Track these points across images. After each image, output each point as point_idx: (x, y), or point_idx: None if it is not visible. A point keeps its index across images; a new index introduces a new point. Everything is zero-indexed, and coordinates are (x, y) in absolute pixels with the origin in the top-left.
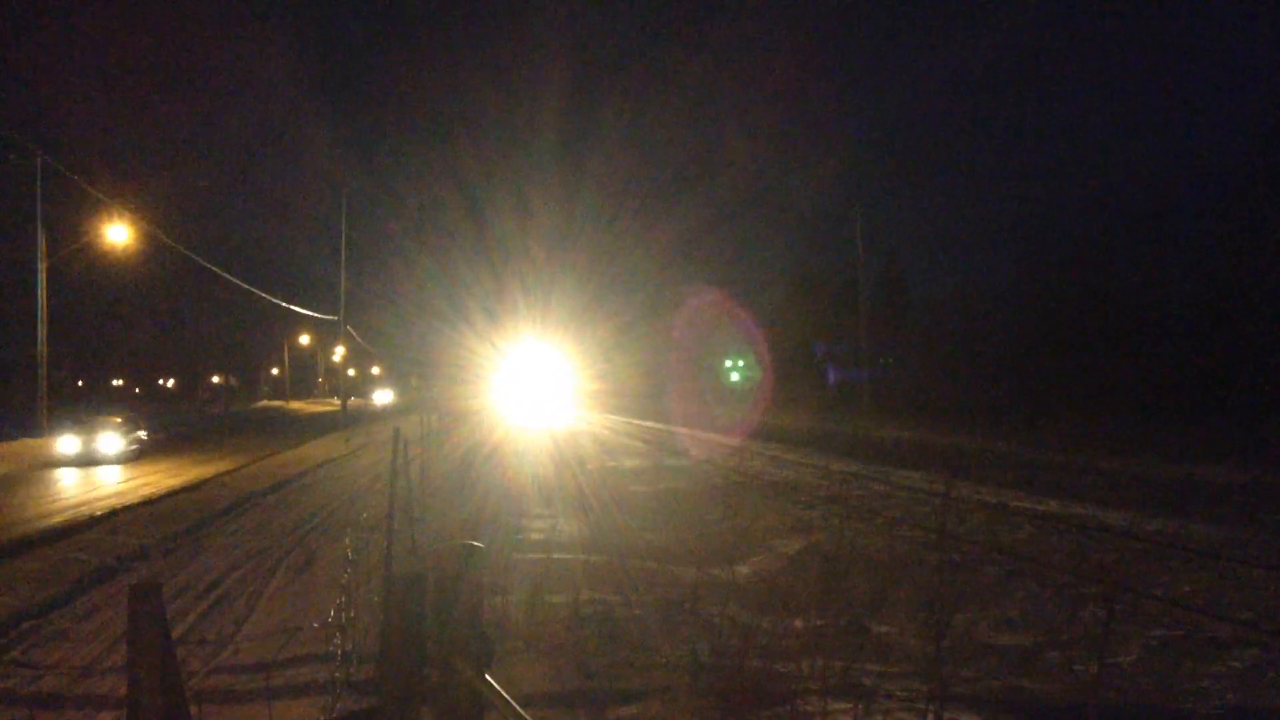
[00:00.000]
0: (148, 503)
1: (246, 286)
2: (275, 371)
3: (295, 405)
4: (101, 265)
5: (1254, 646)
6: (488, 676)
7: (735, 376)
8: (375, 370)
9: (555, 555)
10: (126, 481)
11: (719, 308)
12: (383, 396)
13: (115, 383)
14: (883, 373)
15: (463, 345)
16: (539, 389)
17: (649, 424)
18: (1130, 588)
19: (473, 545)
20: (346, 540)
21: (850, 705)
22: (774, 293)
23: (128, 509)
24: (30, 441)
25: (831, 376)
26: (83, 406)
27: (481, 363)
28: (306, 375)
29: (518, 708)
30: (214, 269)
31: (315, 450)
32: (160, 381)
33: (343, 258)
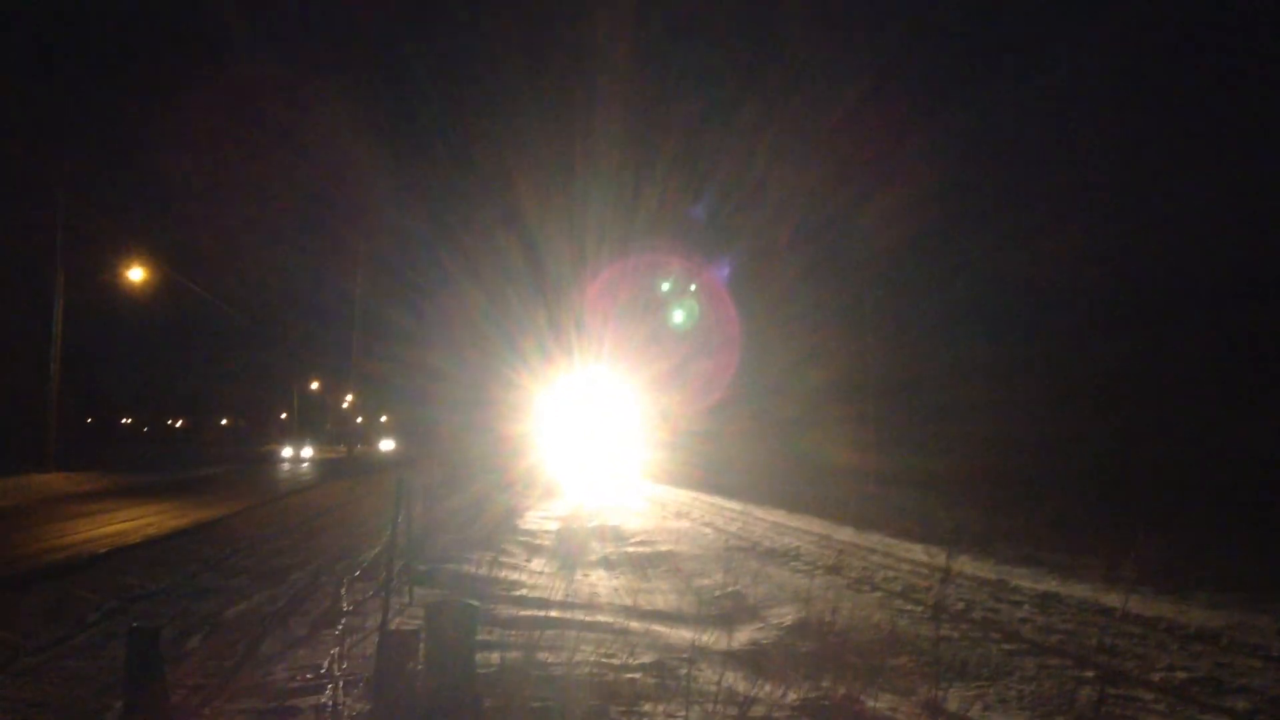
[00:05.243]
0: (151, 543)
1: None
2: (284, 415)
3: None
4: (117, 304)
5: None
6: None
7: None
8: (384, 418)
9: (554, 614)
10: (131, 520)
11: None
12: (387, 445)
13: (124, 421)
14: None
15: (516, 385)
16: (593, 439)
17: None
18: (1127, 672)
19: (468, 603)
20: (343, 591)
21: None
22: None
23: (130, 548)
24: (38, 476)
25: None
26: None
27: (528, 405)
28: (315, 419)
29: None
30: (223, 306)
31: (320, 496)
32: (169, 421)
33: (355, 315)
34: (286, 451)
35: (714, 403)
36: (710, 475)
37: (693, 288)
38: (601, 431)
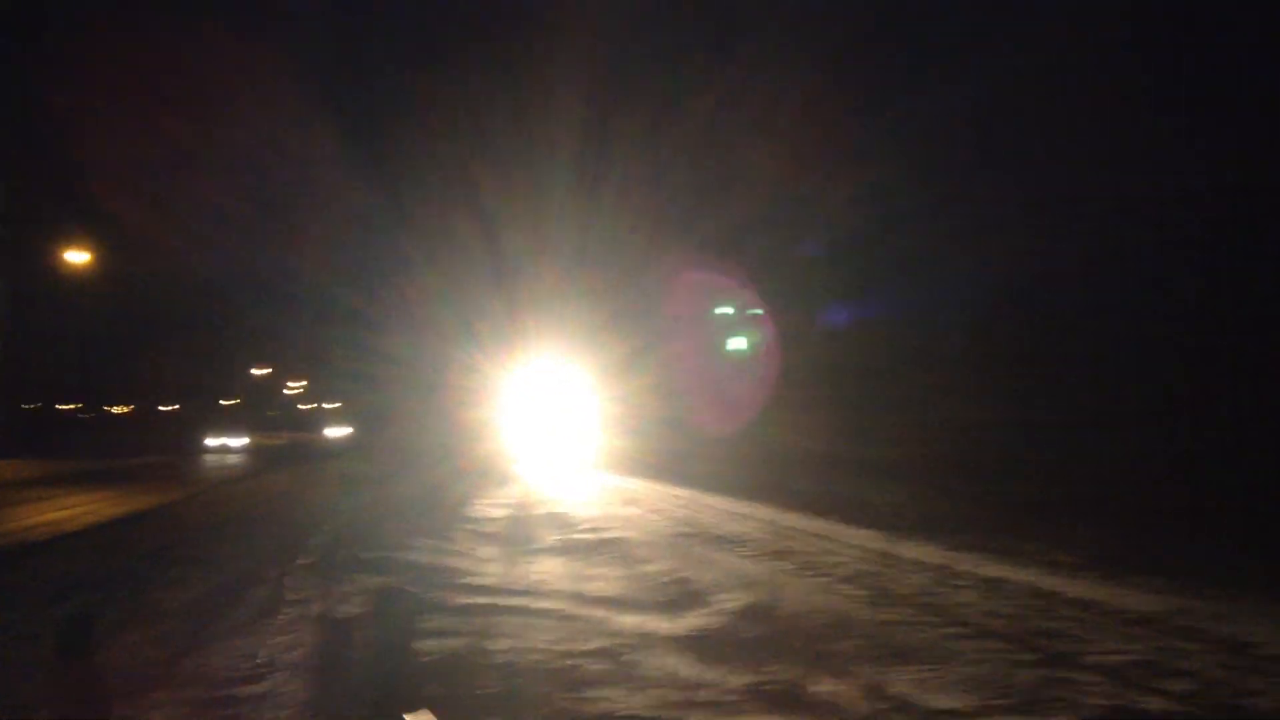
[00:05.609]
0: (91, 530)
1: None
2: (228, 402)
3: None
4: (58, 288)
5: None
6: None
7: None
8: (332, 405)
9: (500, 601)
10: (71, 508)
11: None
12: (336, 431)
13: (65, 407)
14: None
15: (474, 370)
16: (551, 425)
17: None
18: (1068, 656)
19: (408, 590)
20: (286, 580)
21: None
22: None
23: (70, 536)
24: None
25: (838, 317)
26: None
27: (486, 390)
28: (261, 405)
29: None
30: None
31: (264, 484)
32: (110, 408)
33: (305, 297)
34: (210, 441)
35: (681, 389)
36: (670, 462)
37: (759, 312)
38: (561, 417)
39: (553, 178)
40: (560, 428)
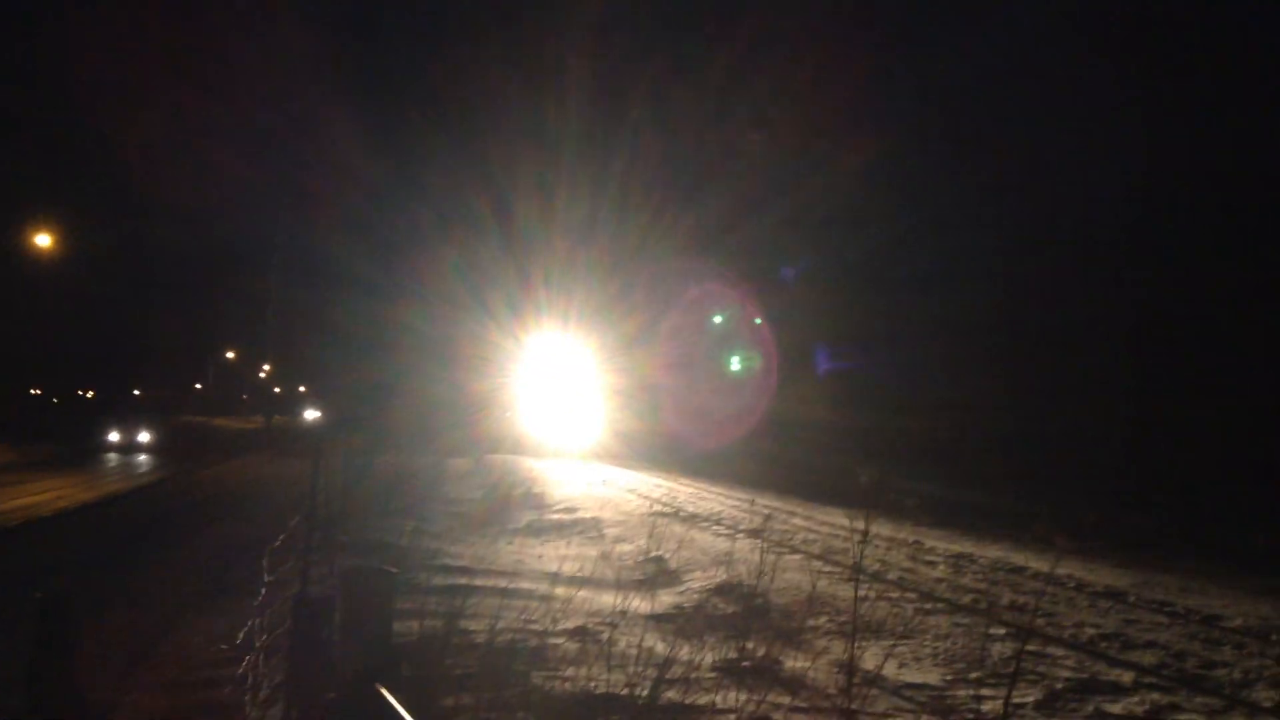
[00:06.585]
0: (63, 515)
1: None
2: (198, 386)
3: (219, 422)
4: (24, 268)
5: (1155, 691)
6: (391, 699)
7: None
8: (302, 388)
9: (477, 581)
10: (42, 493)
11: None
12: (312, 414)
13: (33, 391)
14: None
15: (476, 347)
16: (549, 404)
17: None
18: (1038, 630)
19: (384, 569)
20: (263, 561)
21: None
22: (790, 291)
23: (42, 521)
24: None
25: (821, 365)
26: None
27: (493, 356)
28: (232, 390)
29: None
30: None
31: (237, 466)
32: (80, 392)
33: (275, 270)
34: (113, 436)
35: (686, 361)
36: (674, 435)
37: (757, 321)
38: (566, 391)
39: (564, 149)
40: (565, 403)
